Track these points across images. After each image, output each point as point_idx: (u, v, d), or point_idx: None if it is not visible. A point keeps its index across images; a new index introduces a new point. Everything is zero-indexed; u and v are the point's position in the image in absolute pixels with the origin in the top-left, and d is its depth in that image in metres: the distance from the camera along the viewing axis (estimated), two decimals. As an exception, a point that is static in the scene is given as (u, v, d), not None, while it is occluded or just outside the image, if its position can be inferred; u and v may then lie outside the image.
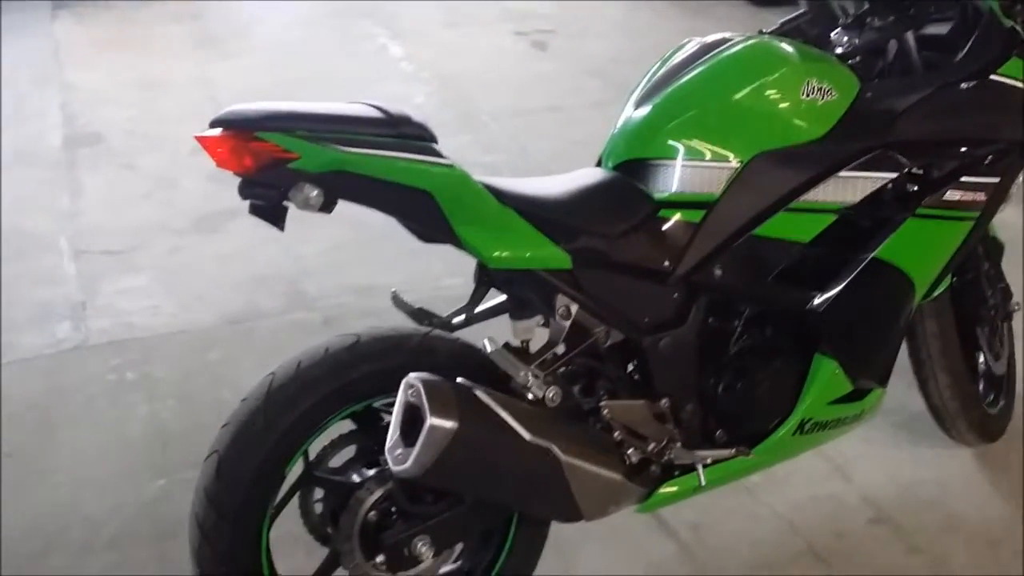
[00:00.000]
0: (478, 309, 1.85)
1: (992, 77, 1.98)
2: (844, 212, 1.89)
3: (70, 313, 3.17)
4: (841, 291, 1.92)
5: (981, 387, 2.49)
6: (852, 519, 2.30)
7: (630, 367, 1.85)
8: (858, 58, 2.08)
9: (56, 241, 3.58)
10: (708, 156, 1.83)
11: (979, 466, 2.46)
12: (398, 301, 1.83)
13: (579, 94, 4.84)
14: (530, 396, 1.68)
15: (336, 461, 1.77)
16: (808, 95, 1.85)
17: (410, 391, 1.56)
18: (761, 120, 1.85)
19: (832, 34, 2.14)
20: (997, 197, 2.05)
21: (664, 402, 1.85)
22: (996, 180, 2.02)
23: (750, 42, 1.92)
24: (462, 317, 1.82)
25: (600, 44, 5.63)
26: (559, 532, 1.99)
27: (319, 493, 1.75)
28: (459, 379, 1.63)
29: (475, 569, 1.88)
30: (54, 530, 2.32)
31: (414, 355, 1.69)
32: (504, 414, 1.59)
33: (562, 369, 1.75)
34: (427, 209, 1.58)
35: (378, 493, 1.68)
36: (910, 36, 2.07)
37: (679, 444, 1.86)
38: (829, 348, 1.97)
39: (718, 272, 1.85)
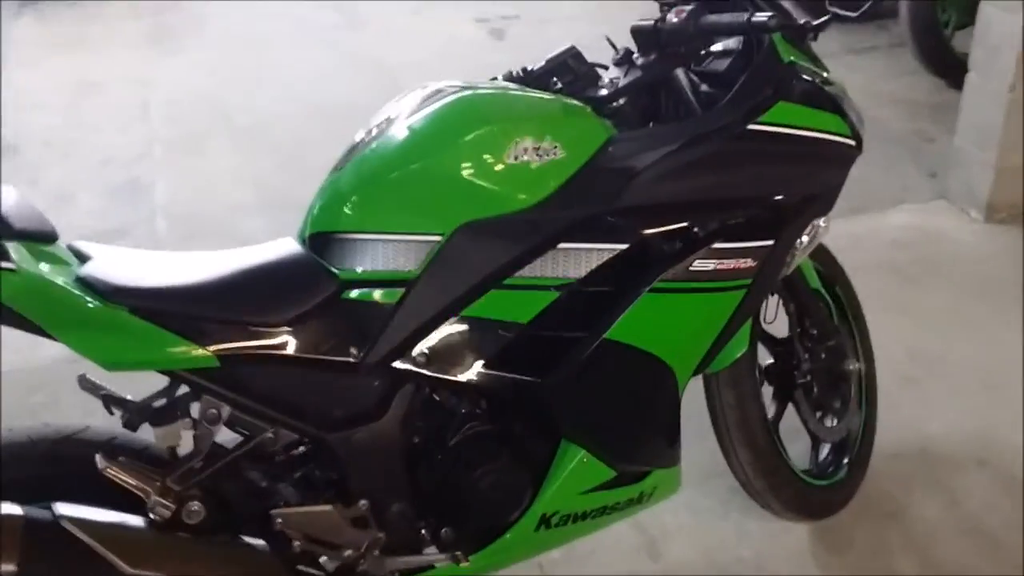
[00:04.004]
0: (180, 393, 1.67)
1: (751, 126, 1.70)
2: (568, 288, 1.65)
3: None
4: (573, 376, 1.68)
5: (825, 454, 2.24)
6: (643, 607, 2.08)
7: (316, 468, 1.65)
8: (622, 100, 1.82)
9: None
10: (404, 228, 1.60)
11: (813, 543, 2.20)
12: (86, 384, 1.65)
13: (519, 88, 4.60)
14: (153, 516, 1.49)
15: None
16: (518, 157, 1.61)
17: (-24, 525, 1.39)
18: (461, 187, 1.61)
19: (605, 72, 1.89)
20: (773, 262, 1.77)
21: (363, 504, 1.65)
22: (769, 243, 1.75)
23: (455, 97, 1.68)
24: (163, 401, 1.64)
25: (561, 32, 5.33)
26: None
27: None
28: (59, 503, 1.45)
29: None
30: None
31: (40, 465, 1.53)
32: (95, 544, 1.41)
33: (215, 479, 1.56)
34: (11, 319, 1.40)
35: None
36: (681, 74, 1.81)
37: (377, 552, 1.66)
38: (571, 435, 1.74)
39: (422, 358, 1.63)
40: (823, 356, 2.10)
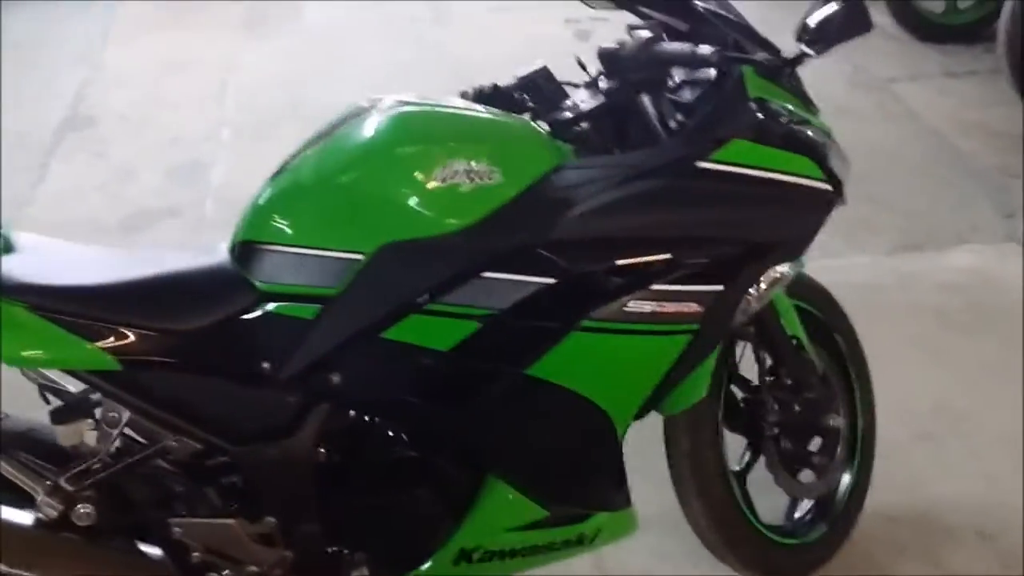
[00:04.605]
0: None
1: (701, 164, 1.59)
2: (492, 319, 1.57)
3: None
4: (493, 411, 1.62)
5: (804, 511, 2.10)
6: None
7: (221, 480, 1.63)
8: (585, 125, 1.74)
9: (-6, 233, 3.64)
10: (327, 244, 1.56)
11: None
12: (27, 371, 1.68)
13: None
14: (41, 515, 1.49)
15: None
16: (446, 179, 1.55)
17: None
18: (386, 206, 1.56)
19: (577, 91, 1.82)
20: (722, 308, 1.66)
21: (269, 521, 1.62)
22: (718, 288, 1.64)
23: (392, 113, 1.63)
24: (99, 396, 1.65)
25: (647, 36, 5.21)
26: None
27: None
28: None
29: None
30: None
31: None
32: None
33: (112, 482, 1.55)
34: None
35: None
36: (647, 101, 1.72)
37: (282, 571, 1.63)
38: (496, 471, 1.67)
39: (336, 378, 1.59)
40: (798, 408, 1.96)
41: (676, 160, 1.60)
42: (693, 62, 1.58)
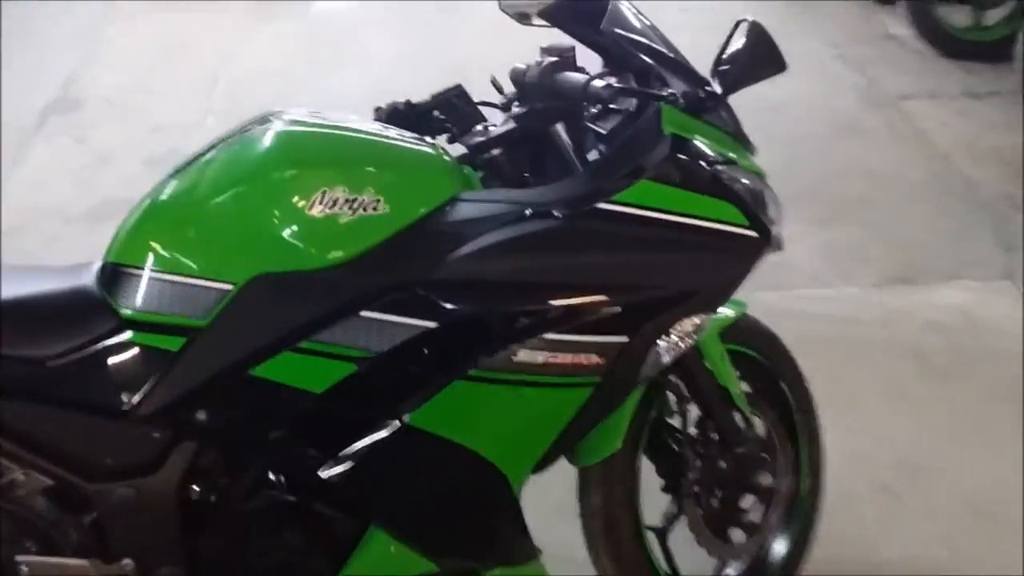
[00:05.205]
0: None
1: (602, 205, 1.46)
2: (368, 362, 1.45)
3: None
4: (371, 458, 1.49)
5: (734, 572, 1.96)
6: None
7: (75, 518, 1.52)
8: (496, 151, 1.60)
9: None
10: (195, 272, 1.45)
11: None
12: None
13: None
14: None
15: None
16: (325, 209, 1.43)
17: None
18: (258, 235, 1.45)
19: (490, 114, 1.69)
20: (626, 361, 1.52)
21: (126, 563, 1.51)
22: (621, 340, 1.50)
23: (276, 131, 1.51)
24: None
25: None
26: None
27: None
28: None
29: None
30: None
31: None
32: None
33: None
34: None
35: None
36: (561, 129, 1.59)
37: (138, 617, 1.52)
38: (377, 522, 1.56)
39: (202, 415, 1.47)
40: (724, 465, 1.81)
41: (576, 199, 1.46)
42: (585, 96, 1.45)
